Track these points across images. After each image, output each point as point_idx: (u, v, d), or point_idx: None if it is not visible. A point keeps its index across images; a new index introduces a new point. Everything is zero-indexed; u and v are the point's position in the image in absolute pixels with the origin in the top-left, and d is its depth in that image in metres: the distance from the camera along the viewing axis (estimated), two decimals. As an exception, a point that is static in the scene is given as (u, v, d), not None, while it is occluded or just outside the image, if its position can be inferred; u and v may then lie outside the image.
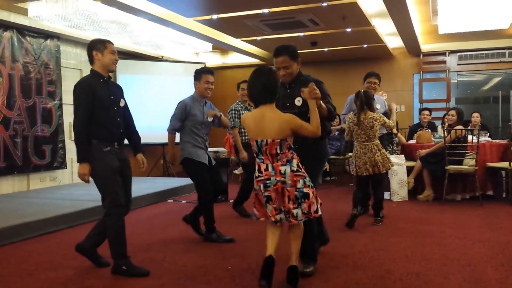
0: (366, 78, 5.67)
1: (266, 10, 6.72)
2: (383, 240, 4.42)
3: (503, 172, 6.65)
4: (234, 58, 11.03)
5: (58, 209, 5.36)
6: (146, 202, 6.61)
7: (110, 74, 3.72)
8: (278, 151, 3.03)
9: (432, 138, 7.04)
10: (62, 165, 7.73)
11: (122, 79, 9.02)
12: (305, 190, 3.03)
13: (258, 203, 3.18)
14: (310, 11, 6.83)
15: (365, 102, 4.98)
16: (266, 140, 3.04)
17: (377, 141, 5.05)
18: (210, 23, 7.63)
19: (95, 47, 3.56)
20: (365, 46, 9.25)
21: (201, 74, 4.54)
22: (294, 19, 7.21)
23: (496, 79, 10.37)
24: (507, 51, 9.62)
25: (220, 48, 9.91)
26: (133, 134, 3.82)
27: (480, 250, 4.04)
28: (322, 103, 3.23)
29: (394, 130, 7.38)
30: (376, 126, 4.98)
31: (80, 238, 3.81)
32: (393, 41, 9.38)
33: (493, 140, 7.07)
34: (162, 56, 10.13)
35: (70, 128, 7.83)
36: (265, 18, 7.15)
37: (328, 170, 8.54)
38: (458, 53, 10.02)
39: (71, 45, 8.08)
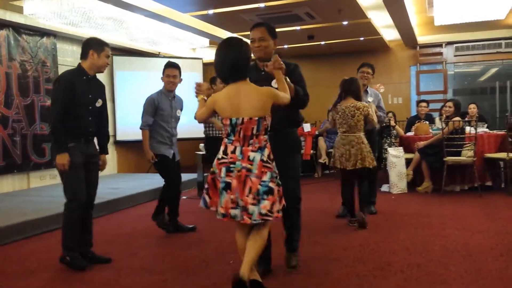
0: (359, 68, 5.42)
1: (262, 4, 6.71)
2: (383, 233, 4.45)
3: (501, 163, 6.68)
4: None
5: (59, 206, 5.27)
6: (146, 198, 6.61)
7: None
8: (254, 132, 2.68)
9: (430, 130, 7.05)
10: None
11: (119, 76, 9.01)
12: (271, 185, 2.66)
13: (213, 190, 2.78)
14: (306, 5, 6.83)
15: (347, 88, 4.66)
16: (242, 119, 2.68)
17: (360, 134, 4.62)
18: (206, 18, 7.61)
19: (94, 46, 3.63)
20: (361, 39, 9.24)
21: (164, 68, 4.68)
22: (290, 13, 7.21)
23: (493, 70, 10.38)
24: (503, 42, 9.62)
25: (217, 43, 9.86)
26: (103, 136, 3.92)
27: (480, 240, 4.07)
28: (288, 80, 3.00)
29: (392, 123, 7.43)
30: (358, 116, 4.57)
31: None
32: (389, 33, 9.37)
33: (490, 131, 7.09)
34: (159, 52, 10.10)
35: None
36: (261, 12, 7.14)
37: (327, 163, 8.55)
38: (455, 45, 10.03)
39: (67, 43, 8.05)
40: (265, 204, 2.62)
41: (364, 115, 4.61)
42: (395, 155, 6.60)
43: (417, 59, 10.31)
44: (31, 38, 7.20)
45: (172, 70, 4.64)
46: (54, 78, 7.59)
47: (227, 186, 2.67)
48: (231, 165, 2.66)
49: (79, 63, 3.69)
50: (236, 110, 2.70)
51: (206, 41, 9.38)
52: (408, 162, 6.75)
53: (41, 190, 6.91)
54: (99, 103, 3.74)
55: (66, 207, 3.61)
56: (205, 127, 6.40)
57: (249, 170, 2.64)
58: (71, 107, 3.54)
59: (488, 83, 10.51)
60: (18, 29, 6.96)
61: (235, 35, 8.91)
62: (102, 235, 4.68)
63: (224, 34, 8.64)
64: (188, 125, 6.45)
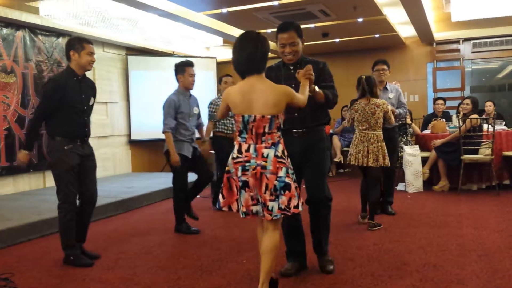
0: (374, 66, 5.39)
1: (276, 2, 6.68)
2: (398, 232, 4.40)
3: (520, 161, 6.56)
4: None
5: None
6: (160, 197, 6.65)
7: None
8: (266, 130, 2.64)
9: (447, 128, 6.97)
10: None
11: (133, 75, 9.05)
12: (287, 180, 2.64)
13: (227, 189, 2.77)
14: (320, 2, 6.77)
15: (366, 88, 4.66)
16: (255, 116, 2.64)
17: (379, 132, 4.64)
18: (220, 17, 7.60)
19: (73, 47, 3.68)
20: (377, 36, 9.15)
21: (184, 67, 4.68)
22: (304, 10, 7.16)
23: (511, 67, 10.20)
24: (522, 38, 9.45)
25: (231, 42, 9.87)
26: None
27: (497, 240, 4.00)
28: (317, 89, 3.04)
29: (408, 120, 7.34)
30: (379, 113, 4.59)
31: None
32: (405, 30, 9.26)
33: (509, 129, 6.96)
34: (173, 52, 10.13)
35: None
36: (275, 10, 7.11)
37: (341, 162, 8.50)
38: (472, 41, 9.86)
39: (83, 43, 8.12)
40: (283, 199, 2.62)
41: (384, 112, 4.63)
42: (411, 154, 6.52)
43: (434, 56, 10.17)
44: (47, 38, 7.27)
45: (193, 69, 4.68)
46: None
47: (245, 185, 2.67)
48: (246, 164, 2.65)
49: (67, 65, 3.75)
50: (248, 107, 2.66)
51: (220, 40, 9.37)
52: (424, 160, 6.67)
53: (58, 189, 6.97)
54: (91, 101, 3.82)
55: (59, 209, 3.71)
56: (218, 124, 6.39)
57: (264, 167, 2.61)
58: (65, 110, 3.61)
59: (507, 80, 10.32)
60: (34, 30, 7.03)
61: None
62: (117, 234, 4.72)
63: (238, 32, 8.59)
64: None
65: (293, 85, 2.95)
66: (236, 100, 2.70)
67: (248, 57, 2.66)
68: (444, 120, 7.32)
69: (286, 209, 2.64)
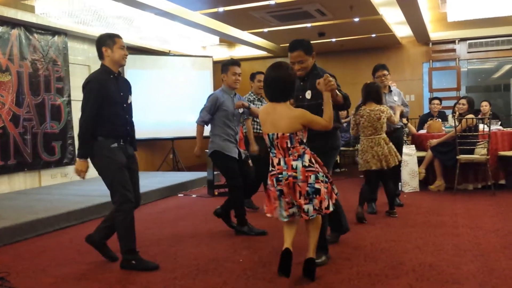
0: (375, 72, 5.56)
1: (272, 2, 6.68)
2: (395, 231, 4.40)
3: (515, 161, 6.58)
4: (241, 51, 10.99)
5: (70, 205, 5.39)
6: (156, 196, 6.63)
7: (120, 69, 3.71)
8: (289, 145, 3.01)
9: (443, 128, 6.98)
10: (72, 161, 7.76)
11: (130, 74, 9.02)
12: (317, 185, 3.00)
13: (268, 198, 3.17)
14: (317, 1, 6.78)
15: (371, 94, 4.90)
16: (277, 134, 3.04)
17: (384, 135, 4.93)
18: (216, 16, 7.59)
19: (105, 43, 3.54)
20: (373, 35, 9.17)
21: (228, 66, 4.57)
22: (301, 10, 7.16)
23: (507, 67, 10.24)
24: (517, 38, 9.49)
25: (227, 41, 9.88)
26: (133, 133, 3.82)
27: (493, 239, 4.01)
28: (338, 93, 3.25)
29: (404, 120, 7.34)
30: (383, 119, 4.86)
31: (91, 232, 3.81)
32: (401, 30, 9.28)
33: (504, 129, 6.99)
34: (169, 51, 10.11)
35: (80, 124, 7.86)
36: (272, 10, 7.11)
37: (338, 161, 8.50)
38: (468, 41, 9.90)
39: (78, 41, 8.09)
40: (316, 202, 3.00)
41: (387, 117, 4.91)
42: (407, 153, 6.53)
43: (430, 56, 10.20)
44: (42, 37, 7.25)
45: (238, 69, 4.58)
46: (64, 77, 7.66)
47: (281, 193, 3.05)
48: (279, 175, 3.04)
49: (102, 64, 3.59)
50: (272, 126, 3.06)
51: (216, 39, 9.37)
52: (420, 160, 6.68)
53: (52, 188, 6.96)
54: (130, 99, 3.70)
55: (119, 211, 3.47)
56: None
57: (295, 178, 2.99)
58: (106, 108, 3.45)
59: (502, 80, 10.37)
60: (30, 28, 7.00)
61: (245, 32, 8.90)
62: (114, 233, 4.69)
63: (234, 32, 8.62)
64: (183, 125, 6.52)
65: (300, 96, 3.45)
66: (263, 119, 3.13)
67: (278, 89, 3.04)
68: (440, 120, 7.33)
69: (319, 209, 3.01)
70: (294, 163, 3.01)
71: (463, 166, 6.26)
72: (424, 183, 6.70)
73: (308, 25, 8.19)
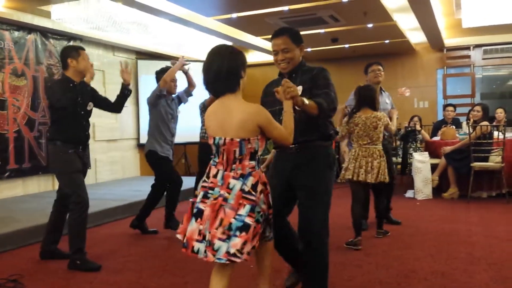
0: (368, 67, 5.14)
1: (286, 8, 6.69)
2: (407, 239, 4.37)
3: (531, 169, 6.49)
4: (254, 57, 11.02)
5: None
6: (168, 201, 6.64)
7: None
8: (237, 155, 2.28)
9: (457, 135, 6.92)
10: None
11: (144, 80, 9.09)
12: (247, 220, 2.20)
13: (188, 215, 2.38)
14: (330, 8, 6.77)
15: (365, 99, 4.28)
16: (225, 139, 2.29)
17: (380, 146, 4.30)
18: (230, 22, 7.63)
19: (70, 54, 3.77)
20: (386, 41, 9.12)
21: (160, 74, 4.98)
22: (314, 16, 7.16)
23: (523, 73, 10.12)
24: (533, 44, 9.39)
25: (240, 46, 9.91)
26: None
27: (507, 248, 3.96)
28: (306, 100, 2.45)
29: (418, 127, 7.29)
30: (380, 127, 4.24)
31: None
32: (415, 36, 9.23)
33: (520, 136, 6.90)
34: (183, 56, 10.13)
35: (94, 128, 7.92)
36: (285, 16, 7.12)
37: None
38: (483, 47, 9.80)
39: (93, 47, 8.17)
40: (236, 242, 2.17)
41: (384, 126, 4.30)
42: (421, 160, 6.48)
43: (444, 62, 10.12)
44: (58, 42, 7.34)
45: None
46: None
47: (199, 213, 2.29)
48: (210, 191, 2.31)
49: (62, 73, 3.84)
50: (220, 128, 2.32)
51: (229, 44, 9.40)
52: (433, 167, 6.63)
53: (67, 191, 7.01)
54: (90, 106, 3.87)
55: (72, 211, 3.69)
56: (201, 129, 6.35)
57: (225, 199, 2.24)
58: (64, 115, 3.67)
59: (518, 87, 10.25)
60: (46, 33, 7.09)
61: (258, 38, 8.92)
62: (125, 237, 4.73)
63: (248, 37, 8.65)
64: (194, 129, 6.61)
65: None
66: (209, 121, 2.39)
67: (215, 75, 2.31)
68: (454, 127, 7.27)
69: (236, 254, 2.17)
70: (232, 182, 2.26)
71: (477, 174, 6.19)
72: (438, 191, 6.64)
73: (322, 31, 8.18)
